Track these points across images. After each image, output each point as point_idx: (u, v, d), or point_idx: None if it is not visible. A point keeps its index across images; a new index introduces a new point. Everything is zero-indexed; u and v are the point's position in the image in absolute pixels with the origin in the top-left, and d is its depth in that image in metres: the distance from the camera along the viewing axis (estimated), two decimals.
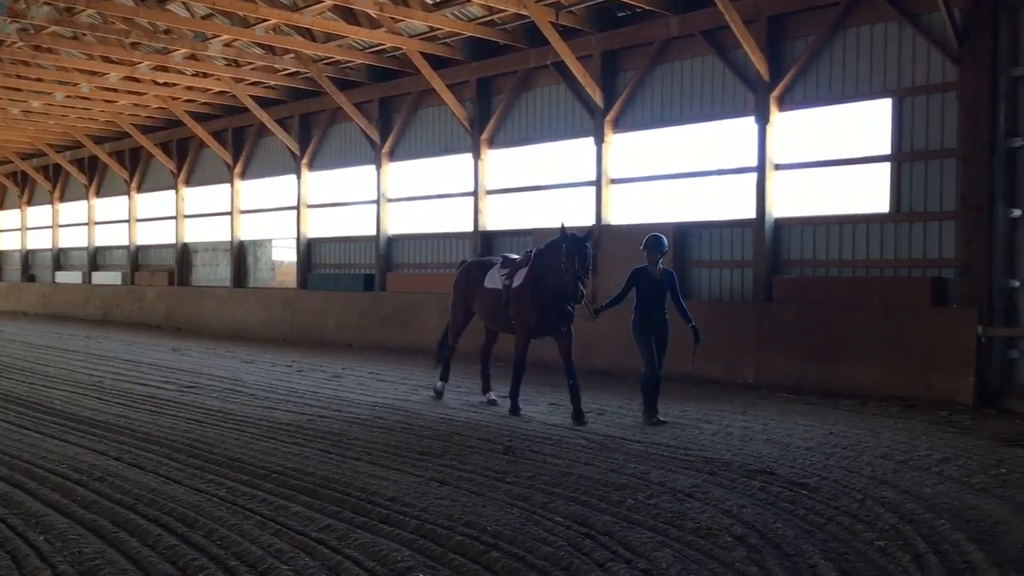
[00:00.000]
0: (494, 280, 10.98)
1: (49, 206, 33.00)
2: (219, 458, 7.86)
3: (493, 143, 17.60)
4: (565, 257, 9.79)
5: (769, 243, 13.32)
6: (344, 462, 7.74)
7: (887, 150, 12.27)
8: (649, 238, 9.86)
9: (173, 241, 26.64)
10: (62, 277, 32.09)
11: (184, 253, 26.44)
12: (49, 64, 19.87)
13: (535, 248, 10.61)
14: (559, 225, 10.24)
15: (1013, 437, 9.16)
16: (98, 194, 30.38)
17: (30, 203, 34.73)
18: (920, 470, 7.60)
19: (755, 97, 13.43)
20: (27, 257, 35.09)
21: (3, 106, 23.67)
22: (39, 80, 21.03)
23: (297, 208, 22.03)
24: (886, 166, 12.31)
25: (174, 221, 26.56)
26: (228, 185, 24.31)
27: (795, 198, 13.33)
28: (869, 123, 12.51)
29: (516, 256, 11.13)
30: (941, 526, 5.93)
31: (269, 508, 6.24)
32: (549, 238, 10.37)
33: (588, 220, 15.64)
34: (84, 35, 18.52)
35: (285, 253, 23.49)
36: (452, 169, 18.62)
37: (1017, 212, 11.00)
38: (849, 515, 6.18)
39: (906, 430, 9.45)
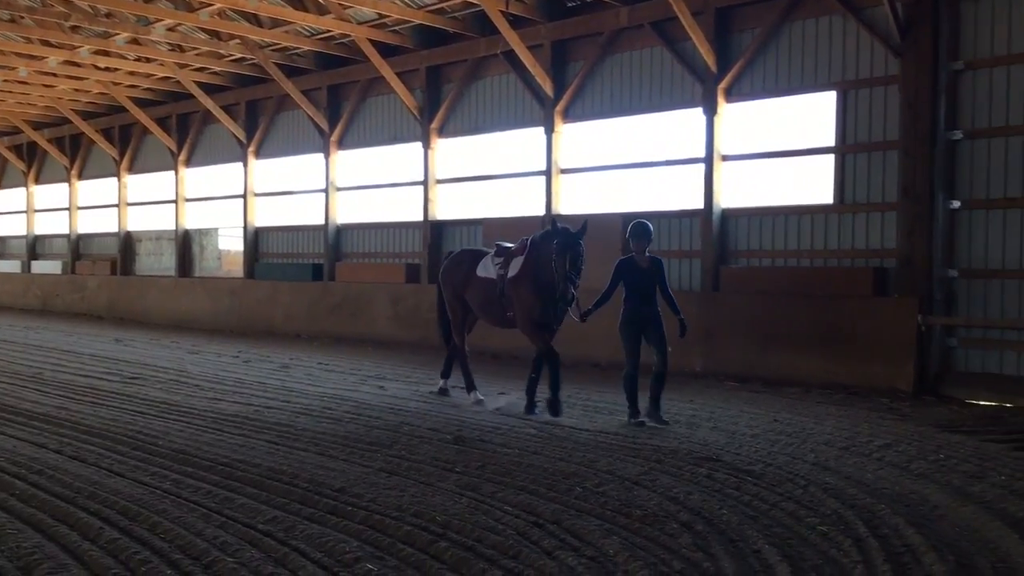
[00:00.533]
0: (487, 269, 10.27)
1: None
2: (163, 450, 7.73)
3: (443, 132, 17.53)
4: (556, 255, 9.11)
5: (716, 233, 13.46)
6: (291, 453, 7.67)
7: (831, 142, 12.47)
8: (635, 225, 9.08)
9: (116, 230, 26.09)
10: (0, 266, 31.27)
11: (127, 242, 25.93)
12: None
13: (532, 236, 9.89)
14: (551, 216, 9.68)
15: (952, 423, 9.40)
16: (37, 181, 29.63)
17: None
18: (862, 456, 7.76)
19: (703, 88, 13.54)
20: None
21: None
22: None
23: (244, 196, 21.72)
24: (830, 158, 12.51)
25: (116, 209, 26.01)
26: (172, 172, 23.88)
27: (742, 189, 13.49)
28: (814, 115, 12.70)
29: (511, 244, 10.29)
30: (881, 511, 6.05)
31: (214, 500, 6.15)
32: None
33: (539, 210, 15.66)
34: (22, 18, 18.03)
35: (232, 242, 23.15)
36: (402, 158, 18.50)
37: (956, 204, 11.26)
38: (793, 501, 6.28)
39: (848, 417, 9.64)
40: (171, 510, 5.89)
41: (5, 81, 21.59)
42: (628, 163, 14.85)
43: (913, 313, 11.23)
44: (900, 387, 11.15)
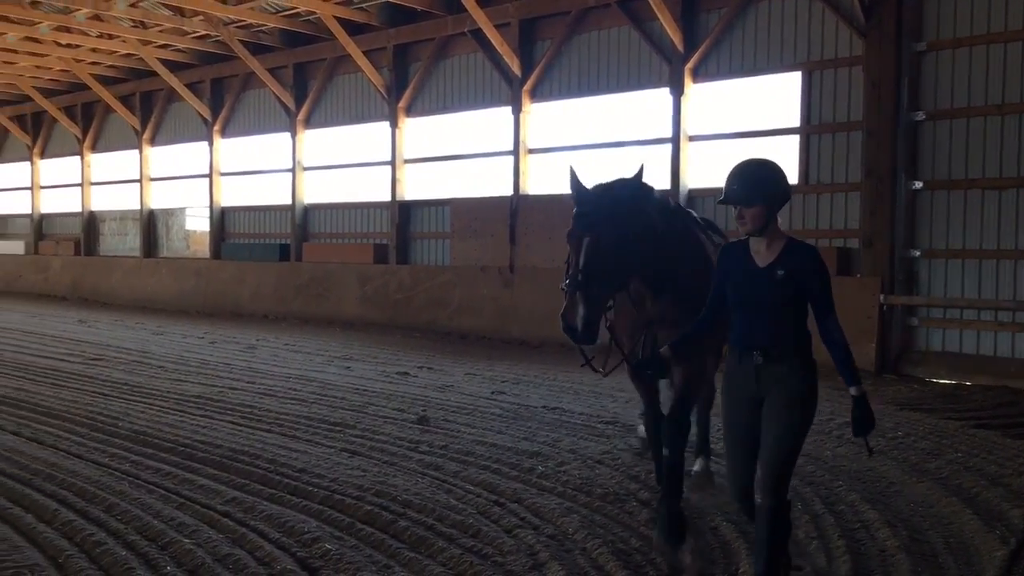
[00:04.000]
0: None
1: None
2: (123, 432, 7.66)
3: (410, 111, 17.40)
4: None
5: None
6: (254, 434, 7.63)
7: (796, 123, 12.52)
8: (737, 172, 4.18)
9: (79, 209, 25.71)
10: None
11: (91, 222, 25.56)
12: None
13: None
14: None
15: (911, 401, 9.53)
16: None
17: None
18: (822, 434, 7.84)
19: (670, 68, 13.54)
20: None
21: None
22: None
23: (209, 176, 21.45)
24: (795, 138, 12.57)
25: (80, 188, 25.62)
26: (137, 151, 23.53)
27: (708, 169, 13.53)
28: (779, 96, 12.74)
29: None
30: (839, 487, 6.13)
31: (174, 481, 6.12)
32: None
33: (506, 190, 15.61)
34: None
35: (198, 222, 22.88)
36: (369, 137, 18.35)
37: (918, 184, 11.36)
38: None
39: None
40: (129, 491, 5.84)
41: None
42: (595, 143, 14.82)
43: (875, 293, 11.35)
44: (862, 366, 11.26)
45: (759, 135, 12.97)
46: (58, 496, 5.76)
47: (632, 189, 4.94)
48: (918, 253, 11.41)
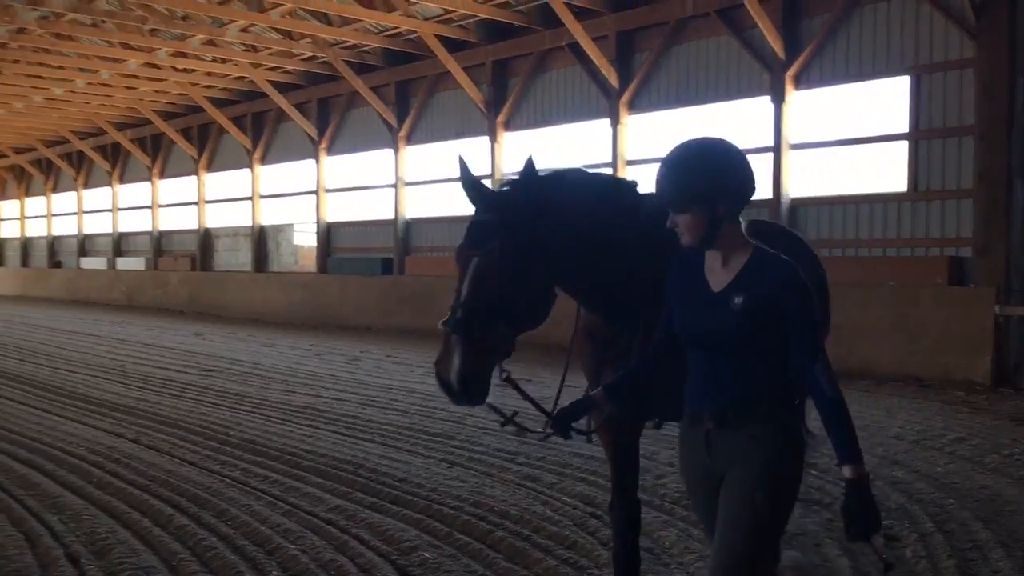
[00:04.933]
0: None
1: (73, 193, 33.35)
2: (235, 440, 7.97)
3: (509, 126, 17.58)
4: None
5: (785, 223, 13.21)
6: (357, 444, 7.83)
7: (904, 128, 12.15)
8: (670, 159, 2.96)
9: (195, 226, 26.85)
10: (87, 263, 32.46)
11: (206, 238, 26.65)
12: (69, 51, 20.04)
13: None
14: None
15: None
16: (121, 180, 30.66)
17: (55, 190, 35.09)
18: (932, 450, 7.57)
19: (771, 76, 13.32)
20: (53, 244, 35.50)
21: (25, 94, 23.93)
22: (60, 68, 21.22)
23: (316, 193, 22.12)
24: (903, 144, 12.19)
25: (196, 207, 26.75)
26: (248, 170, 24.45)
27: (812, 178, 13.24)
28: (886, 101, 12.39)
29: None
30: (949, 505, 5.91)
31: (280, 489, 6.33)
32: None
33: None
34: (103, 22, 18.63)
35: (306, 237, 23.63)
36: (469, 152, 18.58)
37: None
38: None
39: (921, 410, 9.40)
40: (239, 498, 6.08)
41: (89, 84, 22.38)
42: None
43: (990, 303, 10.89)
44: (976, 379, 10.83)
45: (865, 142, 12.64)
46: (173, 501, 6.03)
47: (569, 183, 3.63)
48: None
